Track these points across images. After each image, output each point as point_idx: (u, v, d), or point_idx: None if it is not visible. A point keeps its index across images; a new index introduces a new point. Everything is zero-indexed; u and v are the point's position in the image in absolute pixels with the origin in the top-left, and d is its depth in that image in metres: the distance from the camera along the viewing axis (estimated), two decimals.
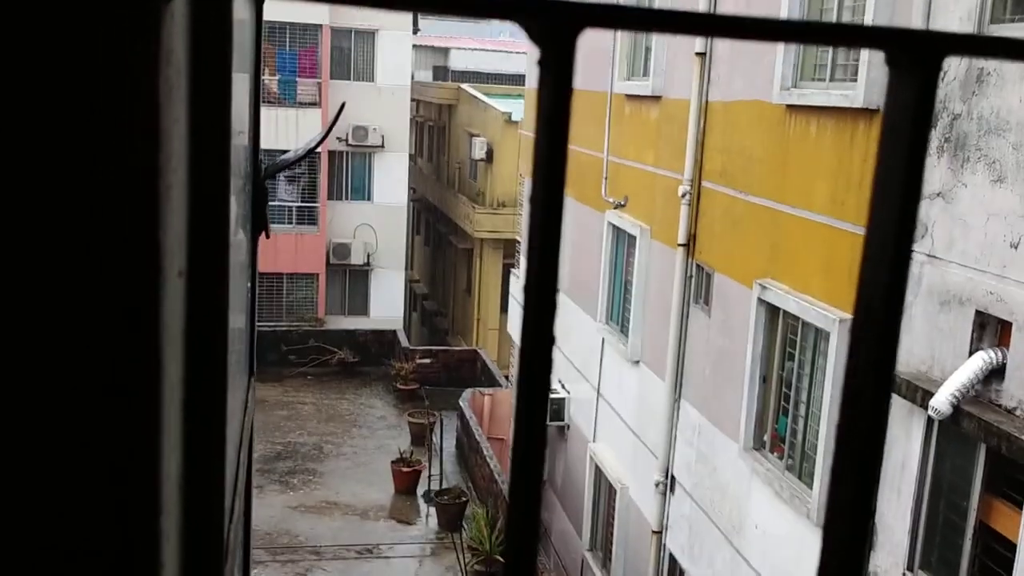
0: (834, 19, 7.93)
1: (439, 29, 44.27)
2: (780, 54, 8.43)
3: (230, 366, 0.96)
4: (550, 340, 0.50)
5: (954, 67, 6.34)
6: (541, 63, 0.48)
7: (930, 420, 6.30)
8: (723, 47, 9.75)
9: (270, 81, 24.99)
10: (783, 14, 8.39)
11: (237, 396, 1.28)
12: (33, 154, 0.42)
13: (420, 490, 17.58)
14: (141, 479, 0.46)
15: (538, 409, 0.50)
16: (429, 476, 17.41)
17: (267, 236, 1.56)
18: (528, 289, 0.48)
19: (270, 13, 25.10)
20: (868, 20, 7.19)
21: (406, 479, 17.52)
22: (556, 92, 0.47)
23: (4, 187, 0.42)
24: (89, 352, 0.44)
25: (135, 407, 0.45)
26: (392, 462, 17.73)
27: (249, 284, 1.51)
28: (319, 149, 24.97)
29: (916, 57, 0.49)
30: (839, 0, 7.86)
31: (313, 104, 25.21)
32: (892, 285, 0.50)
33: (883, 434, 0.52)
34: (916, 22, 6.63)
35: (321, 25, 25.03)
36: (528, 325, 0.47)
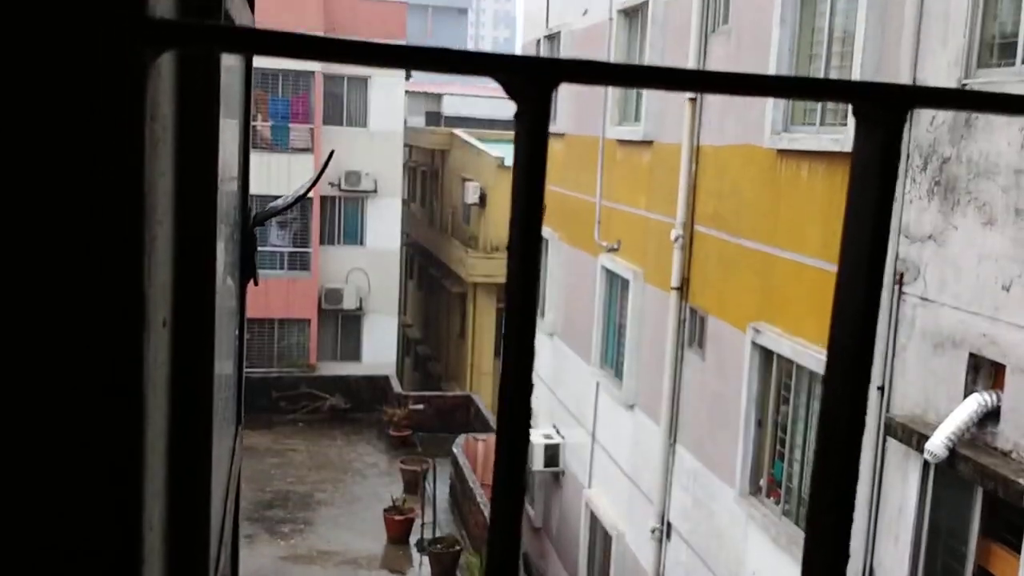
0: (823, 63, 8.06)
1: (432, 75, 44.74)
2: (771, 99, 8.54)
3: (216, 414, 0.96)
4: (528, 385, 0.51)
5: (942, 111, 6.44)
6: (517, 116, 0.49)
7: (926, 464, 6.27)
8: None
9: (263, 127, 25.17)
10: (772, 61, 8.52)
11: (224, 444, 1.28)
12: (18, 204, 0.43)
13: (413, 539, 17.37)
14: (122, 527, 0.47)
15: (518, 463, 0.51)
16: (422, 524, 17.22)
17: (255, 283, 1.57)
18: (507, 338, 0.49)
19: (262, 60, 25.41)
20: (856, 64, 7.30)
21: (399, 528, 17.32)
22: (532, 144, 0.48)
23: None
24: (72, 400, 0.44)
25: (116, 455, 0.45)
26: (384, 510, 17.54)
27: (237, 332, 1.51)
28: (311, 194, 25.08)
29: (881, 110, 0.50)
30: (827, 43, 7.99)
31: (306, 150, 25.37)
32: (863, 341, 0.51)
33: (858, 453, 0.53)
34: (904, 66, 6.74)
35: (314, 72, 25.30)
36: (507, 368, 0.48)
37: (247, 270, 1.47)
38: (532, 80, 0.47)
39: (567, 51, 14.41)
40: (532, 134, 0.48)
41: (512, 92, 0.49)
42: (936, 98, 0.52)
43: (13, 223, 0.43)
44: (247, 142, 1.61)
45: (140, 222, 0.43)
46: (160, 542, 0.60)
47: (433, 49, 0.46)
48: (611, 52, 12.45)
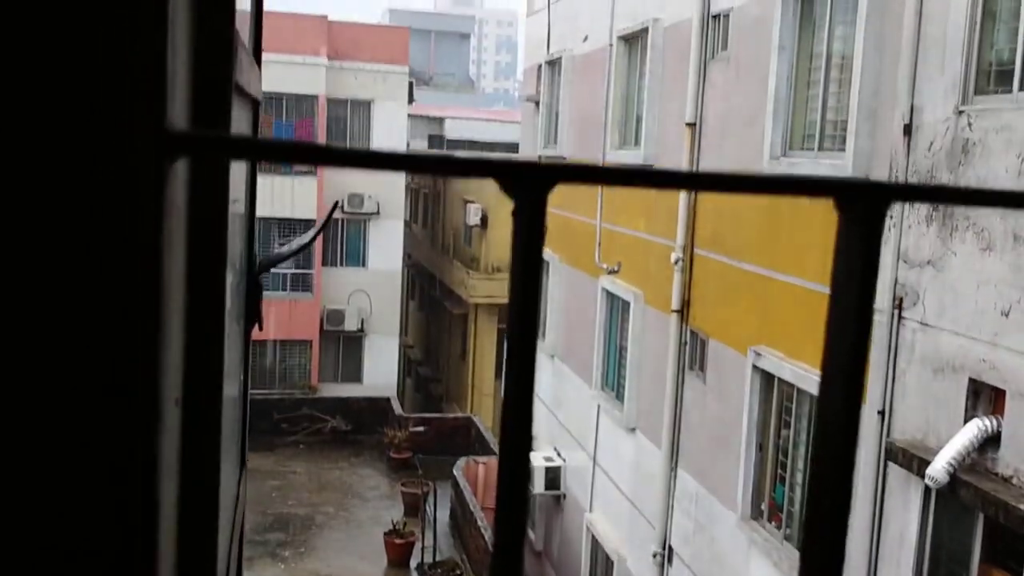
0: (821, 88, 8.10)
1: (434, 99, 45.01)
2: (769, 123, 8.60)
3: (222, 468, 0.98)
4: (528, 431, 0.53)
5: (939, 137, 6.47)
6: (515, 213, 0.52)
7: (927, 489, 6.27)
8: (713, 116, 9.94)
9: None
10: (771, 87, 8.58)
11: (228, 491, 1.29)
12: (39, 299, 0.46)
13: (413, 562, 17.29)
14: None
15: (519, 490, 0.53)
16: (423, 548, 17.14)
17: (260, 329, 1.59)
18: (503, 430, 0.51)
19: (266, 84, 25.50)
20: (854, 90, 7.35)
21: (399, 551, 17.24)
22: (529, 239, 0.51)
23: (10, 320, 0.45)
24: (84, 492, 0.46)
25: (128, 542, 0.47)
26: (385, 533, 17.47)
27: (242, 377, 1.53)
28: (313, 215, 25.15)
29: (862, 204, 0.53)
30: (825, 69, 8.05)
31: (309, 173, 25.47)
32: (847, 429, 0.53)
33: (852, 472, 0.55)
34: (902, 93, 6.79)
35: (317, 96, 25.44)
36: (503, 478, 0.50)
37: (251, 316, 1.50)
38: (529, 183, 0.50)
39: (567, 76, 14.50)
40: (529, 231, 0.51)
41: (510, 192, 0.51)
42: (916, 193, 0.55)
43: (37, 314, 0.46)
44: (254, 186, 1.64)
45: (156, 317, 0.45)
46: None
47: (436, 156, 0.49)
48: (611, 78, 12.54)
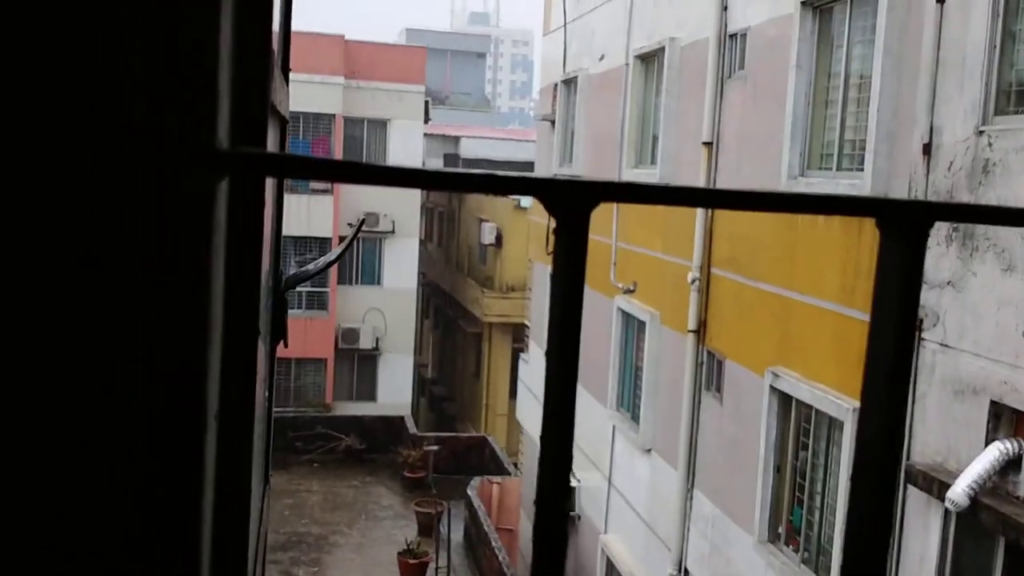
0: (839, 108, 8.09)
1: (450, 118, 45.23)
2: (787, 142, 8.59)
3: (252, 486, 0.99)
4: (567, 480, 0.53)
5: (959, 157, 6.45)
6: (557, 231, 0.52)
7: (947, 512, 6.20)
8: (730, 136, 9.94)
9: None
10: (788, 106, 8.57)
11: (254, 507, 1.29)
12: (99, 312, 0.46)
13: None
14: None
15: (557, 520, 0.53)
16: (436, 568, 17.07)
17: (286, 346, 1.60)
18: (543, 447, 0.51)
19: None
20: (873, 110, 7.34)
21: (413, 571, 17.17)
22: (571, 258, 0.51)
23: (67, 338, 0.46)
24: (138, 500, 0.46)
25: (176, 550, 0.47)
26: (398, 553, 17.41)
27: (267, 393, 1.53)
28: (329, 234, 25.27)
29: (904, 223, 0.53)
30: (844, 89, 8.04)
31: (326, 191, 25.61)
32: (891, 445, 0.53)
33: (893, 512, 0.54)
34: (920, 113, 6.76)
35: (334, 115, 25.61)
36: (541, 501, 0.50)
37: (277, 332, 1.51)
38: (572, 200, 0.50)
39: (583, 95, 14.55)
40: (571, 250, 0.51)
41: (553, 210, 0.52)
42: (958, 213, 0.55)
43: (91, 331, 0.46)
44: (280, 204, 1.65)
45: (205, 335, 0.45)
46: None
47: (479, 175, 0.49)
48: (627, 97, 12.57)
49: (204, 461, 0.47)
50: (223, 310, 0.63)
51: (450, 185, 0.49)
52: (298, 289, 25.94)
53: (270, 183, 1.32)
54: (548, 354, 0.54)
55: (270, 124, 1.10)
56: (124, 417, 0.46)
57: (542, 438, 0.52)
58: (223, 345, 0.63)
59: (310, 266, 2.29)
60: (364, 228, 26.19)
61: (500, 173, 0.49)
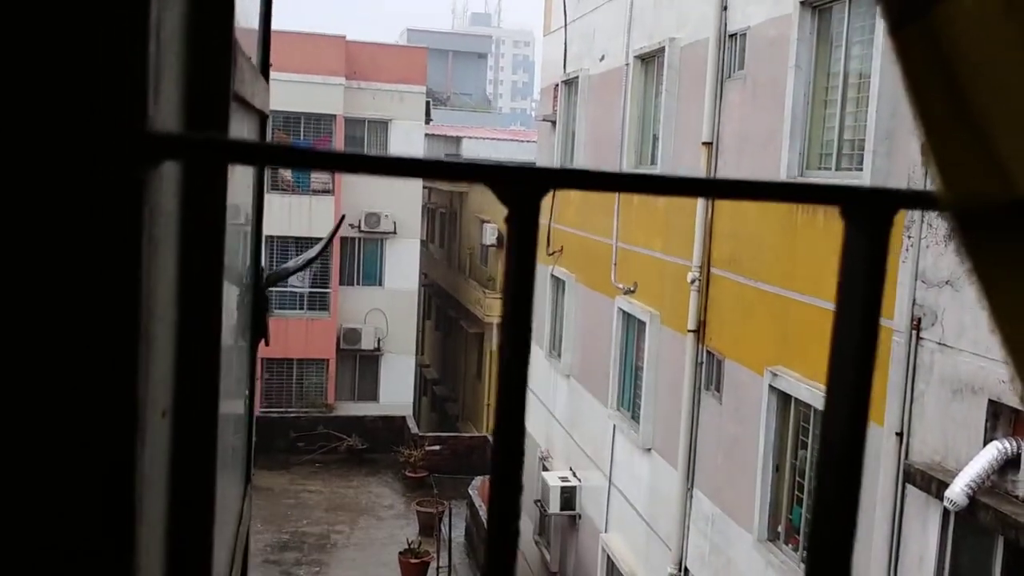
0: (838, 108, 8.07)
1: (451, 119, 45.24)
2: (786, 141, 8.57)
3: (221, 481, 0.97)
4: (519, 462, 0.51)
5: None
6: (508, 220, 0.51)
7: (946, 511, 6.18)
8: (730, 136, 9.93)
9: (284, 169, 25.44)
10: (787, 106, 8.55)
11: (230, 508, 1.28)
12: (13, 309, 0.45)
13: None
14: None
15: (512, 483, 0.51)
16: (438, 568, 17.07)
17: (266, 343, 1.59)
18: (496, 436, 0.50)
19: (285, 103, 25.61)
20: (872, 109, 7.32)
21: (414, 571, 17.17)
22: (522, 247, 0.50)
23: None
24: (63, 496, 0.45)
25: (106, 551, 0.46)
26: (400, 553, 17.41)
27: (247, 392, 1.52)
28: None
29: (868, 212, 0.51)
30: (843, 88, 8.02)
31: (326, 192, 25.61)
32: (853, 441, 0.52)
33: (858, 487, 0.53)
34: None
35: (335, 115, 25.61)
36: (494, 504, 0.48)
37: (258, 331, 1.49)
38: (523, 188, 0.49)
39: (584, 95, 14.53)
40: (522, 238, 0.49)
41: (503, 197, 0.50)
42: (923, 201, 0.53)
43: (7, 325, 0.45)
44: (261, 201, 1.64)
45: (136, 328, 0.44)
46: None
47: (426, 160, 0.47)
48: (628, 97, 12.55)
49: (136, 459, 0.45)
50: (179, 303, 0.62)
51: (392, 170, 0.48)
52: (299, 290, 25.94)
53: (243, 175, 1.31)
54: (501, 335, 0.52)
55: (242, 117, 1.08)
56: (45, 415, 0.44)
57: (495, 431, 0.51)
58: (179, 340, 0.62)
59: (290, 263, 2.27)
60: (365, 228, 26.19)
61: (445, 159, 0.48)
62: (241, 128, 1.13)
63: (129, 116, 0.43)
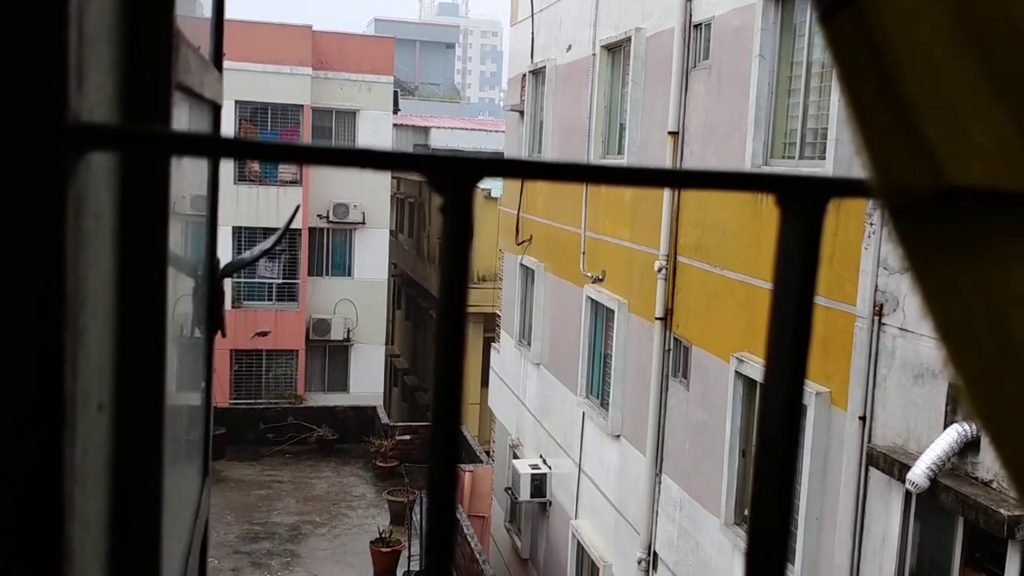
0: (802, 96, 8.14)
1: (420, 109, 45.03)
2: (750, 131, 8.63)
3: (175, 473, 0.96)
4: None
5: None
6: (442, 210, 0.51)
7: (908, 494, 6.28)
8: (695, 125, 9.97)
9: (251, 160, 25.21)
10: (752, 95, 8.61)
11: (186, 501, 1.27)
12: None
13: (400, 571, 17.22)
14: None
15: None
16: (409, 556, 17.08)
17: (223, 335, 1.58)
18: (433, 432, 0.50)
19: (252, 94, 25.27)
20: (834, 98, 7.39)
21: (385, 560, 17.17)
22: (456, 235, 0.50)
23: None
24: None
25: (36, 550, 0.45)
26: (371, 542, 17.40)
27: (204, 384, 1.51)
28: (299, 226, 25.09)
29: (803, 200, 0.52)
30: (806, 77, 8.08)
31: (294, 182, 25.41)
32: (789, 423, 0.52)
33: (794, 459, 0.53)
34: None
35: (303, 105, 25.40)
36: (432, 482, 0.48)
37: (214, 322, 1.48)
38: (455, 176, 0.49)
39: (551, 85, 14.52)
40: (456, 226, 0.49)
41: (437, 187, 0.50)
42: (857, 189, 0.54)
43: None
44: (216, 187, 1.62)
45: (59, 320, 0.43)
46: None
47: (359, 150, 0.47)
48: (594, 87, 12.57)
49: (63, 451, 0.45)
50: (118, 295, 0.61)
51: (328, 160, 0.47)
52: (268, 281, 25.75)
53: (196, 164, 1.29)
54: (436, 326, 0.52)
55: (188, 107, 1.07)
56: None
57: (432, 415, 0.51)
58: (118, 332, 0.61)
59: (245, 254, 2.26)
60: (334, 219, 26.04)
61: (378, 148, 0.47)
62: (192, 119, 1.12)
63: (46, 106, 0.42)
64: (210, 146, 0.43)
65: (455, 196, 0.49)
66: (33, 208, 0.42)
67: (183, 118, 1.00)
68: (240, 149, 0.45)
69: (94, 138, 0.42)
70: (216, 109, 1.46)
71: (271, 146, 0.47)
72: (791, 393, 0.53)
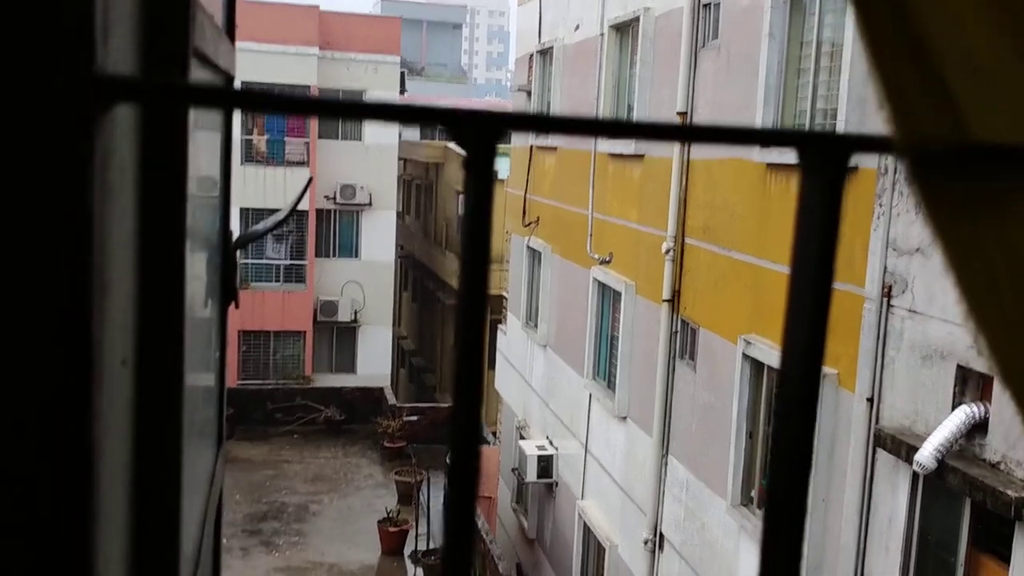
0: (811, 76, 8.09)
1: (426, 89, 44.90)
2: (760, 110, 8.58)
3: (191, 439, 0.97)
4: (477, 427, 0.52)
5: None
6: (465, 165, 0.51)
7: (915, 475, 6.29)
8: (704, 105, 9.93)
9: (259, 141, 25.21)
10: (761, 75, 8.56)
11: (202, 468, 1.28)
12: None
13: (407, 550, 17.33)
14: (71, 566, 0.47)
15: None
16: (416, 536, 17.18)
17: (236, 306, 1.58)
18: (456, 378, 0.50)
19: (258, 74, 25.28)
20: (844, 78, 7.34)
21: (393, 539, 17.28)
22: (479, 190, 0.50)
23: None
24: (17, 447, 0.45)
25: (64, 496, 0.46)
26: (379, 522, 17.50)
27: (218, 353, 1.52)
28: (307, 208, 25.10)
29: (824, 157, 0.52)
30: (816, 57, 8.03)
31: (301, 163, 25.40)
32: (808, 390, 0.52)
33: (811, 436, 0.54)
34: None
35: (309, 86, 25.35)
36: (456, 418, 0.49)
37: (228, 293, 1.49)
38: (479, 131, 0.49)
39: (559, 65, 14.46)
40: (479, 182, 0.50)
41: (460, 142, 0.50)
42: (879, 145, 0.54)
43: None
44: (228, 161, 1.62)
45: (88, 278, 0.44)
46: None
47: (382, 104, 0.47)
48: (602, 67, 12.51)
49: (93, 397, 0.45)
50: (138, 253, 0.61)
51: (352, 114, 0.47)
52: (275, 262, 25.80)
53: (209, 136, 1.29)
54: (457, 293, 0.53)
55: (203, 74, 1.07)
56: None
57: (453, 383, 0.51)
58: (139, 289, 0.61)
59: (259, 226, 2.27)
60: (341, 200, 26.04)
61: (398, 102, 0.47)
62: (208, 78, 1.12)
63: (76, 58, 0.42)
64: (231, 98, 0.43)
65: (478, 150, 0.49)
66: (63, 156, 0.42)
67: (196, 81, 1.00)
68: (261, 102, 0.45)
69: (120, 89, 0.42)
70: (229, 80, 1.46)
71: (293, 99, 0.47)
72: (811, 363, 0.53)
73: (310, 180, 3.35)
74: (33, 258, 0.43)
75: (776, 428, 0.56)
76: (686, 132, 0.51)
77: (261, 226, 2.33)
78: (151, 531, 0.66)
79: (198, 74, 0.92)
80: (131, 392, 0.60)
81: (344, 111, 0.47)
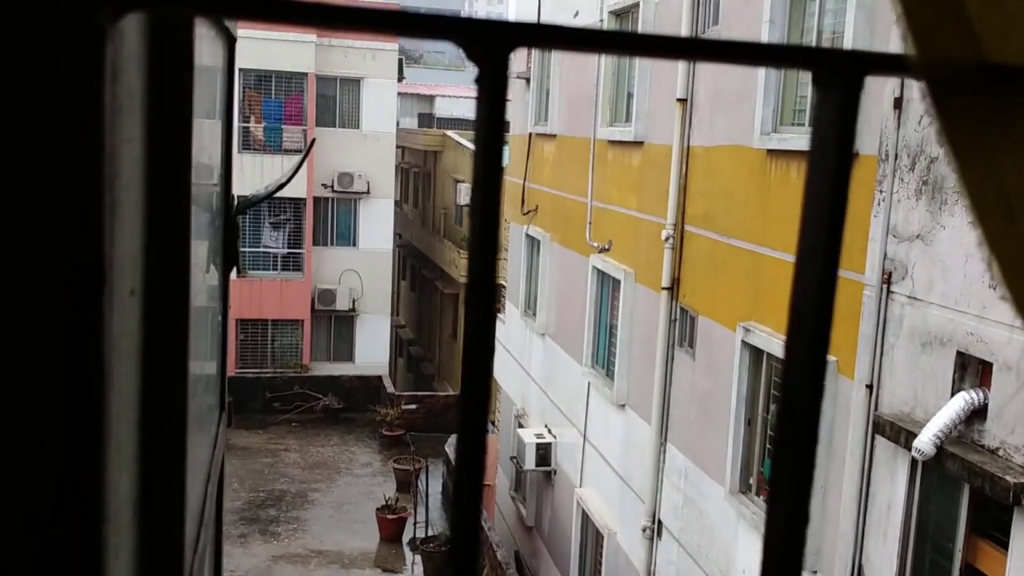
0: (810, 81, 8.07)
1: (424, 77, 44.79)
2: (760, 99, 8.57)
3: (196, 393, 0.97)
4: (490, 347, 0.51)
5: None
6: (477, 80, 0.50)
7: (914, 461, 6.30)
8: (704, 92, 9.91)
9: (256, 128, 25.14)
10: (760, 81, 8.52)
11: (206, 428, 1.28)
12: None
13: (406, 537, 17.37)
14: (84, 491, 0.47)
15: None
16: (415, 523, 17.22)
17: (239, 273, 1.57)
18: (468, 303, 0.49)
19: (256, 62, 25.14)
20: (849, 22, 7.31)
21: (391, 527, 17.31)
22: (491, 106, 0.49)
23: None
24: (28, 363, 0.44)
25: (76, 421, 0.46)
26: (377, 509, 17.54)
27: (220, 317, 1.51)
28: (304, 196, 25.06)
29: (839, 75, 0.51)
30: (816, 43, 8.00)
31: (299, 151, 25.32)
32: (822, 302, 0.52)
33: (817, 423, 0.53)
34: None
35: (307, 73, 25.28)
36: (468, 333, 0.48)
37: (230, 257, 1.48)
38: (491, 44, 0.48)
39: (558, 53, 14.40)
40: (490, 97, 0.49)
41: (471, 56, 0.50)
42: (892, 64, 0.53)
43: None
44: (230, 134, 1.62)
45: (99, 184, 0.43)
46: (130, 509, 0.61)
47: (391, 12, 0.47)
48: (602, 55, 12.46)
49: (103, 317, 0.45)
50: (146, 183, 0.61)
51: (353, 24, 0.47)
52: (273, 251, 25.76)
53: (209, 108, 1.29)
54: (470, 214, 0.52)
55: (209, 32, 1.06)
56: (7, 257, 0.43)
57: (464, 345, 0.50)
58: (147, 220, 0.61)
59: (260, 189, 2.26)
60: (339, 188, 25.99)
61: (409, 10, 0.47)
62: (212, 49, 1.11)
63: None
64: (241, 4, 0.43)
65: (490, 63, 0.48)
66: (74, 63, 0.42)
67: (203, 46, 1.00)
68: (269, 7, 0.44)
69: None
70: (232, 42, 1.45)
71: (300, 5, 0.46)
72: (823, 300, 0.52)
73: (313, 141, 3.33)
74: (44, 166, 0.43)
75: (781, 403, 0.55)
76: (696, 46, 0.51)
77: (263, 190, 2.32)
78: (159, 462, 0.65)
79: (202, 34, 0.91)
80: (140, 323, 0.60)
81: (353, 20, 0.46)
